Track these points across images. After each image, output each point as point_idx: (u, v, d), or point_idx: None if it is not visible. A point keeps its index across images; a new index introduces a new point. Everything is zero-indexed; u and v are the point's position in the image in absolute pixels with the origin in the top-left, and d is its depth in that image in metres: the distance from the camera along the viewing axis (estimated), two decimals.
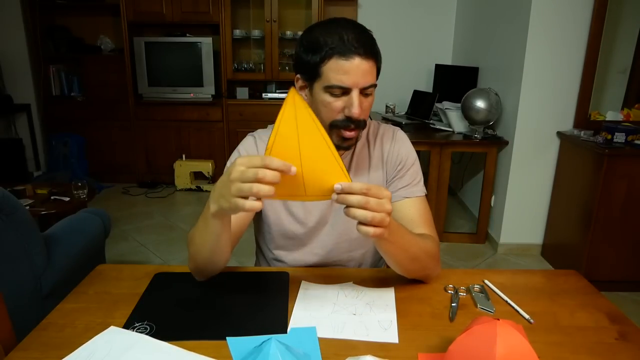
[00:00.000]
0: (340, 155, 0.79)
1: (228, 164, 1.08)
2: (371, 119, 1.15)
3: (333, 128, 0.98)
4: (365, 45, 0.92)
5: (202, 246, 0.91)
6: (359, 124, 0.97)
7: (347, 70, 0.91)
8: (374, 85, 0.97)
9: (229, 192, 0.74)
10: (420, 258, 0.97)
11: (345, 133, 0.98)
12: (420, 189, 1.12)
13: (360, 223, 0.78)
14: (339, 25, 0.94)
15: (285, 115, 0.76)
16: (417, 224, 1.04)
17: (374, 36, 0.97)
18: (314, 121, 0.76)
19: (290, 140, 0.76)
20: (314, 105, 0.98)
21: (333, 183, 0.77)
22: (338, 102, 0.95)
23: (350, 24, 0.96)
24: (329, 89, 0.94)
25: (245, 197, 0.73)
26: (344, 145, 1.01)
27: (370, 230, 0.77)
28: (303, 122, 0.76)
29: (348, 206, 0.77)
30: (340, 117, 0.96)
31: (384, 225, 0.78)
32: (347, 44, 0.91)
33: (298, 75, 1.02)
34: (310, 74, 0.97)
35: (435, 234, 1.07)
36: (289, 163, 0.74)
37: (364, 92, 0.95)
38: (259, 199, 0.73)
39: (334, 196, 0.77)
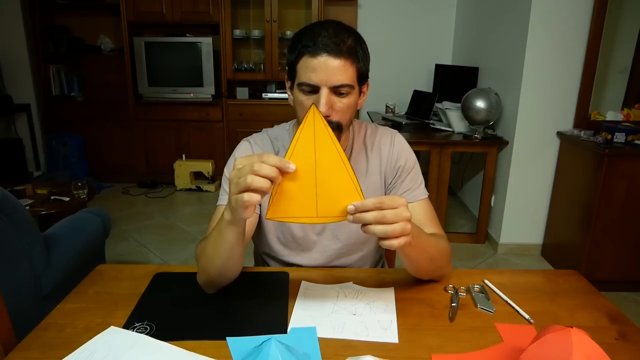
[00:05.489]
0: None
1: (226, 172, 1.06)
2: (372, 121, 1.15)
3: None
4: (338, 44, 0.90)
5: (215, 256, 0.88)
6: (330, 125, 0.92)
7: (315, 67, 0.91)
8: (349, 86, 0.93)
9: (231, 192, 0.75)
10: (437, 258, 0.97)
11: None
12: (422, 192, 1.11)
13: (382, 238, 0.75)
14: (321, 26, 0.94)
15: (303, 132, 0.76)
16: (425, 226, 1.03)
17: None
18: (331, 139, 0.76)
19: (307, 158, 0.76)
20: (293, 105, 0.99)
21: (347, 204, 0.75)
22: (309, 101, 0.94)
23: (333, 24, 0.94)
24: (300, 87, 0.95)
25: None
26: None
27: (394, 242, 0.75)
28: (321, 139, 0.76)
29: (365, 224, 0.75)
30: None
31: (406, 233, 0.76)
32: (318, 42, 0.90)
33: (286, 76, 1.02)
34: (290, 73, 0.98)
35: (444, 233, 1.07)
36: (286, 159, 0.74)
37: (337, 91, 0.93)
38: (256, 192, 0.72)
39: (350, 217, 0.76)
